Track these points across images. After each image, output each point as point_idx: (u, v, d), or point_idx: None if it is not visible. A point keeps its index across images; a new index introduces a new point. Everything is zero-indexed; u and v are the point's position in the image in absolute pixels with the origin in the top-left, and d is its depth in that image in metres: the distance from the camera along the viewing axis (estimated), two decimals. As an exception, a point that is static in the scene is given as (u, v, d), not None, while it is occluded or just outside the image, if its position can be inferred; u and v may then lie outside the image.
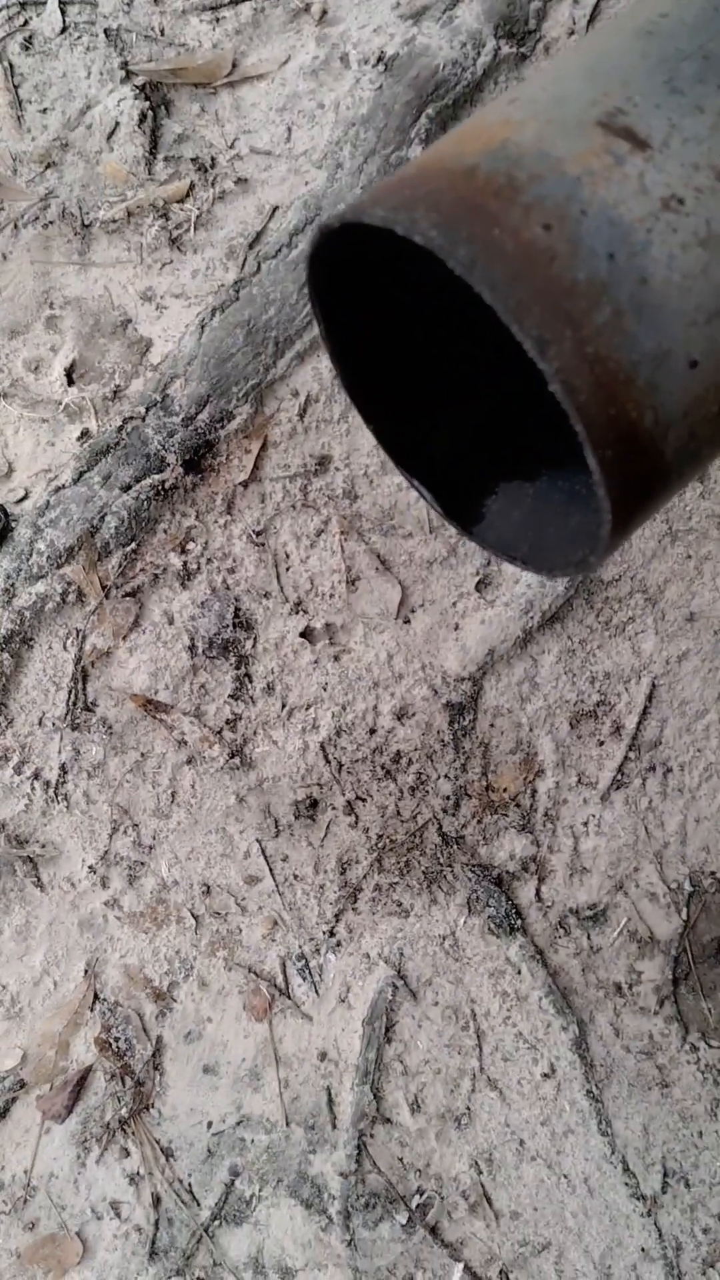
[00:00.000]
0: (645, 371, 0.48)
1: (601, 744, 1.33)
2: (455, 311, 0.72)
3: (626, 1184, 1.24)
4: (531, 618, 1.32)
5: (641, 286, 0.48)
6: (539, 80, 0.54)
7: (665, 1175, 1.25)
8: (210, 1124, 1.26)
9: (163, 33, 1.49)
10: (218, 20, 1.49)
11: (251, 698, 1.32)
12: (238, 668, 1.32)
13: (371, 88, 1.44)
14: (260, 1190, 1.24)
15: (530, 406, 0.74)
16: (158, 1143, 1.25)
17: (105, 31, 1.49)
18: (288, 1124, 1.25)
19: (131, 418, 1.33)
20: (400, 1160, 1.24)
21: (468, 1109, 1.25)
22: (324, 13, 1.50)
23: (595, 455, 0.48)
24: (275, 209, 1.42)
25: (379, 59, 1.46)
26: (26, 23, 1.50)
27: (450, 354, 0.76)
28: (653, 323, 0.48)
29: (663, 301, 0.48)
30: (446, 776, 1.31)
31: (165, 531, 1.33)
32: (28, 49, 1.49)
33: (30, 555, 1.30)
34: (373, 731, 1.32)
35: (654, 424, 0.49)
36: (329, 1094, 1.26)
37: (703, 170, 0.49)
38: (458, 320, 0.73)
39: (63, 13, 1.50)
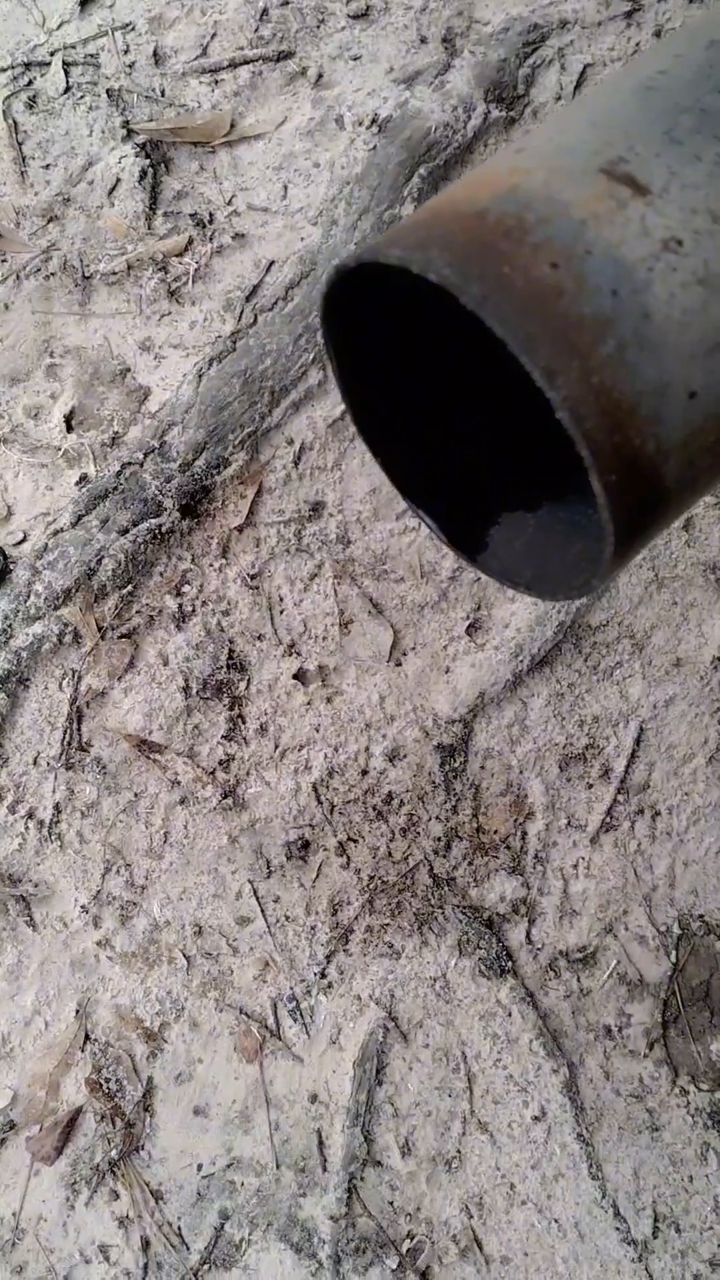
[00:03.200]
0: (648, 401, 0.51)
1: (590, 787, 1.34)
2: (460, 348, 0.75)
3: (618, 1229, 1.23)
4: (521, 661, 1.34)
5: (644, 321, 0.50)
6: (544, 132, 0.58)
7: (656, 1220, 1.24)
8: (200, 1166, 1.25)
9: (163, 93, 1.54)
10: (217, 82, 1.54)
11: (244, 739, 1.33)
12: (231, 709, 1.34)
13: (366, 148, 1.49)
14: (250, 1234, 1.23)
15: (531, 441, 0.77)
16: (147, 1185, 1.25)
17: (107, 92, 1.53)
18: (278, 1166, 1.25)
19: (130, 463, 1.36)
20: (391, 1204, 1.24)
21: (458, 1152, 1.25)
22: (319, 76, 1.55)
23: (600, 480, 0.50)
24: (272, 264, 1.46)
25: (373, 121, 1.51)
26: (31, 82, 1.55)
27: (455, 389, 0.79)
28: (654, 356, 0.51)
29: (664, 336, 0.51)
30: (437, 818, 1.32)
31: (161, 574, 1.35)
32: (32, 107, 1.53)
33: (28, 596, 1.32)
34: (364, 773, 1.33)
35: (655, 451, 0.52)
36: (319, 1136, 1.25)
37: (700, 214, 0.52)
38: (462, 357, 0.76)
39: (66, 73, 1.55)
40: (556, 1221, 1.24)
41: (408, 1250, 1.23)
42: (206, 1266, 1.22)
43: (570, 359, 0.49)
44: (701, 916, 1.32)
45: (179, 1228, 1.24)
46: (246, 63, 1.56)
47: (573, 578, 0.69)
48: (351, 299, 0.65)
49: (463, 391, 0.79)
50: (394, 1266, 1.22)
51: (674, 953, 1.31)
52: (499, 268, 0.50)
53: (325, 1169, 1.24)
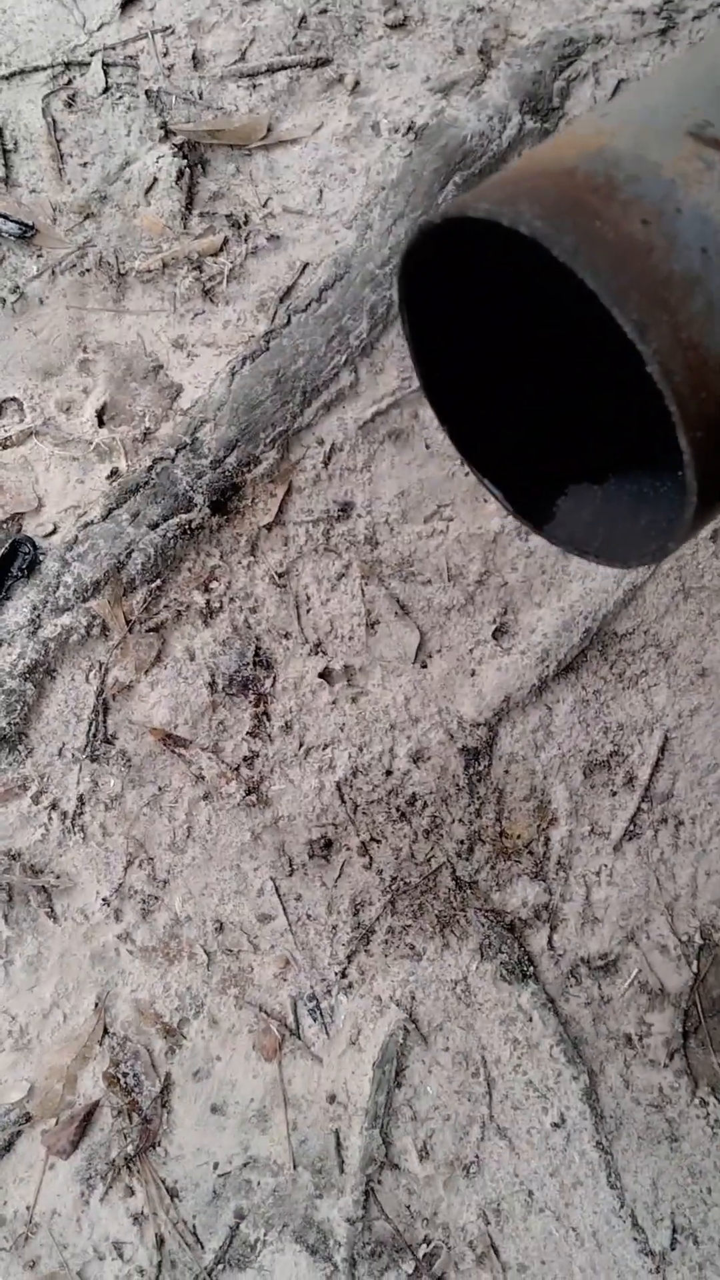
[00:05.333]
0: None
1: (614, 794, 1.34)
2: (531, 321, 0.76)
3: (635, 1239, 1.22)
4: (547, 666, 1.34)
5: None
6: (627, 99, 0.58)
7: (674, 1231, 1.23)
8: (216, 1165, 1.24)
9: (201, 96, 1.55)
10: (254, 86, 1.56)
11: (269, 736, 1.33)
12: (256, 706, 1.33)
13: (401, 155, 1.50)
14: (265, 1235, 1.22)
15: (599, 416, 0.77)
16: (163, 1182, 1.23)
17: (146, 93, 1.54)
18: (295, 1167, 1.24)
19: (161, 458, 1.36)
20: (408, 1208, 1.23)
21: (477, 1157, 1.24)
22: (356, 83, 1.56)
23: (686, 435, 0.50)
24: (306, 265, 1.47)
25: (409, 128, 1.52)
26: (70, 81, 1.56)
27: (524, 362, 0.79)
28: None
29: None
30: (461, 821, 1.32)
31: (190, 570, 1.35)
32: (71, 106, 1.54)
33: (57, 588, 1.32)
34: (389, 773, 1.33)
35: None
36: (337, 1137, 1.24)
37: None
38: (533, 329, 0.77)
39: (106, 74, 1.56)
40: (574, 1230, 1.23)
41: (424, 1255, 1.21)
42: (221, 1266, 1.21)
43: (661, 314, 0.49)
44: (723, 926, 1.31)
45: (194, 1226, 1.23)
46: (284, 68, 1.57)
47: (644, 545, 0.69)
48: (429, 262, 0.65)
49: (531, 365, 0.80)
50: (410, 1271, 1.20)
51: (695, 962, 1.31)
52: (590, 221, 0.50)
53: (342, 1170, 1.23)
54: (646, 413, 0.56)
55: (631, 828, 1.33)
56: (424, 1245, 1.22)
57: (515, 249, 0.54)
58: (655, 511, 0.70)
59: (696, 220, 0.51)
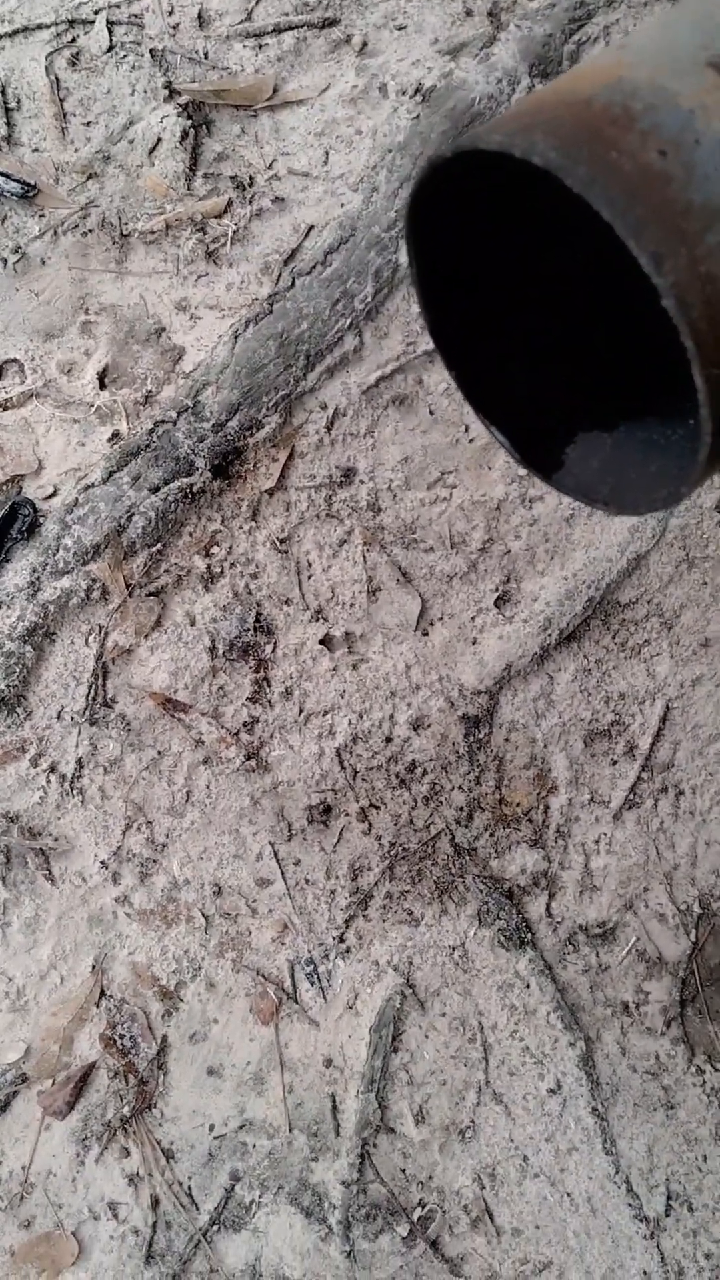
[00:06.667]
0: None
1: (615, 763, 1.33)
2: (540, 265, 0.74)
3: (630, 1205, 1.22)
4: (549, 635, 1.34)
5: None
6: (646, 31, 0.57)
7: (669, 1198, 1.23)
8: (212, 1127, 1.24)
9: (206, 56, 1.53)
10: (260, 46, 1.54)
11: (269, 701, 1.33)
12: (257, 671, 1.33)
13: (409, 117, 1.48)
14: (260, 1196, 1.22)
15: (609, 361, 0.76)
16: (159, 1144, 1.24)
17: (151, 52, 1.53)
18: (290, 1130, 1.24)
19: (163, 421, 1.35)
20: (403, 1171, 1.23)
21: (472, 1122, 1.24)
22: (364, 44, 1.54)
23: (702, 374, 0.50)
24: (311, 228, 1.46)
25: (417, 90, 1.50)
26: (74, 40, 1.54)
27: (532, 307, 0.78)
28: None
29: None
30: (460, 788, 1.32)
31: (191, 534, 1.35)
32: (74, 65, 1.53)
33: (57, 550, 1.31)
34: (388, 740, 1.32)
35: None
36: (333, 1101, 1.25)
37: None
38: (541, 273, 0.75)
39: (110, 32, 1.54)
40: (569, 1195, 1.23)
41: (418, 1218, 1.22)
42: (216, 1227, 1.21)
43: (678, 245, 0.48)
44: (722, 897, 1.31)
45: (189, 1187, 1.23)
46: (291, 28, 1.55)
47: (654, 492, 0.68)
48: (438, 201, 0.64)
49: (541, 310, 0.78)
50: (404, 1234, 1.21)
51: (694, 932, 1.31)
52: (606, 152, 0.49)
53: (338, 1134, 1.23)
54: (660, 355, 0.55)
55: (631, 797, 1.33)
56: (419, 1209, 1.22)
57: (528, 184, 0.53)
58: (666, 458, 0.69)
59: (716, 151, 0.50)
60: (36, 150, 1.50)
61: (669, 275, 0.48)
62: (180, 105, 1.50)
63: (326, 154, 1.49)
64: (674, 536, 1.37)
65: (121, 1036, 1.25)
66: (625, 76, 0.53)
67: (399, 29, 1.55)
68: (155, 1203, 1.22)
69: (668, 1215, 1.23)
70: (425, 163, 0.58)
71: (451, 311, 0.75)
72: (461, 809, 1.31)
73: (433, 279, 0.72)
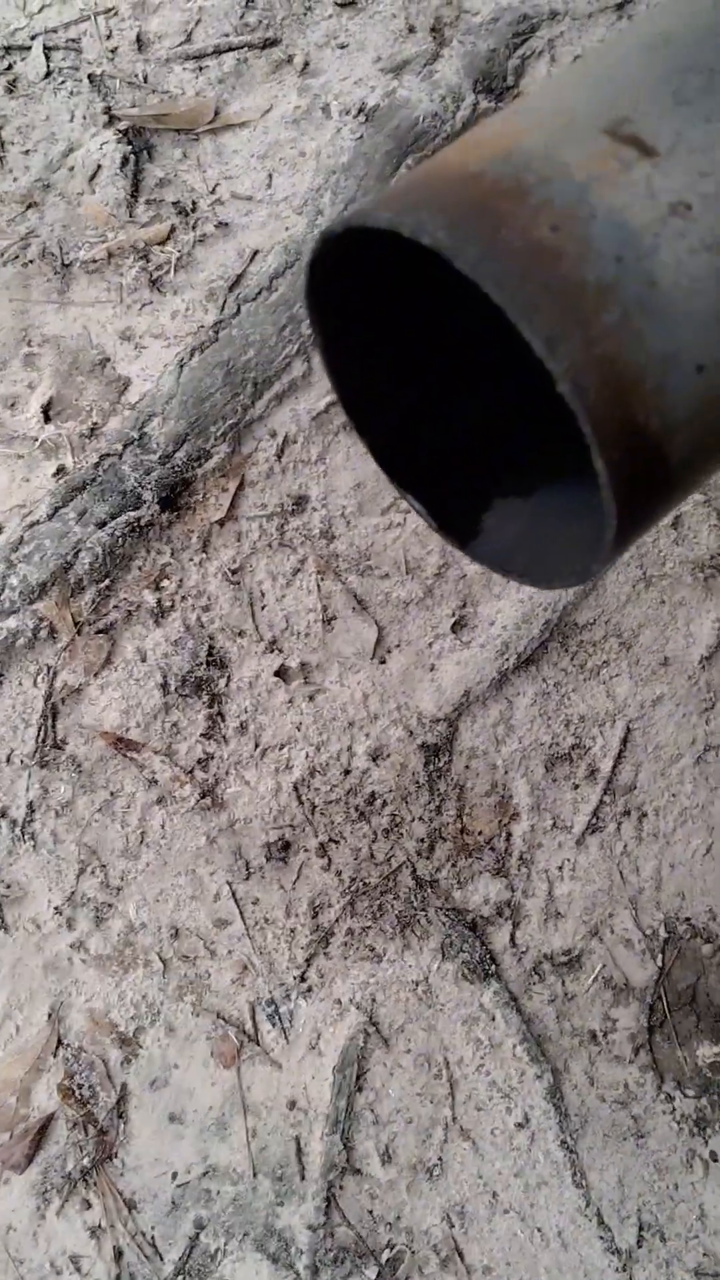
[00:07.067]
0: (653, 374, 0.48)
1: (576, 787, 1.32)
2: (452, 326, 0.72)
3: (601, 1238, 1.21)
4: (507, 659, 1.32)
5: (650, 289, 0.48)
6: (542, 94, 0.55)
7: (641, 1229, 1.22)
8: (175, 1175, 1.22)
9: (146, 79, 1.51)
10: (201, 69, 1.52)
11: (224, 737, 1.31)
12: (210, 706, 1.31)
13: (352, 137, 1.46)
14: (225, 1244, 1.20)
15: (526, 424, 0.74)
16: (120, 1194, 1.22)
17: (89, 77, 1.50)
18: (255, 1175, 1.22)
19: (109, 454, 1.33)
20: (370, 1212, 1.21)
21: (440, 1160, 1.23)
22: (306, 64, 1.52)
23: (602, 457, 0.47)
24: (256, 253, 1.44)
25: (360, 110, 1.48)
26: (10, 66, 1.51)
27: (446, 369, 0.76)
28: (661, 325, 0.48)
29: (670, 305, 0.48)
30: (421, 819, 1.30)
31: (140, 569, 1.32)
32: (11, 92, 1.50)
33: (2, 590, 1.29)
34: (347, 772, 1.30)
35: (660, 428, 0.49)
36: (298, 1144, 1.23)
37: (709, 177, 0.49)
38: (454, 334, 0.73)
39: (47, 58, 1.52)
40: (539, 1230, 1.21)
41: (387, 1260, 1.20)
42: (180, 1277, 1.19)
43: (572, 327, 0.46)
44: (688, 919, 1.30)
45: (153, 1237, 1.21)
46: (232, 50, 1.53)
47: (569, 565, 0.66)
48: (338, 270, 0.62)
49: (454, 372, 0.76)
50: (373, 1277, 1.19)
51: (660, 956, 1.29)
52: (496, 230, 0.47)
53: (304, 1177, 1.22)
54: (570, 426, 0.53)
55: (594, 821, 1.31)
56: (387, 1250, 1.20)
57: (427, 254, 0.51)
58: (582, 528, 0.67)
59: (611, 226, 0.48)
60: (-25, 180, 1.47)
61: (564, 359, 0.46)
62: (120, 131, 1.48)
63: (270, 176, 1.47)
64: (631, 556, 1.36)
65: (80, 1086, 1.23)
66: (517, 146, 0.50)
67: (341, 48, 1.53)
68: (118, 1255, 1.20)
69: (640, 1246, 1.21)
70: (317, 237, 0.56)
71: (361, 377, 0.73)
72: (422, 840, 1.30)
73: (340, 345, 0.70)
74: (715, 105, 0.51)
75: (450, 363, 0.76)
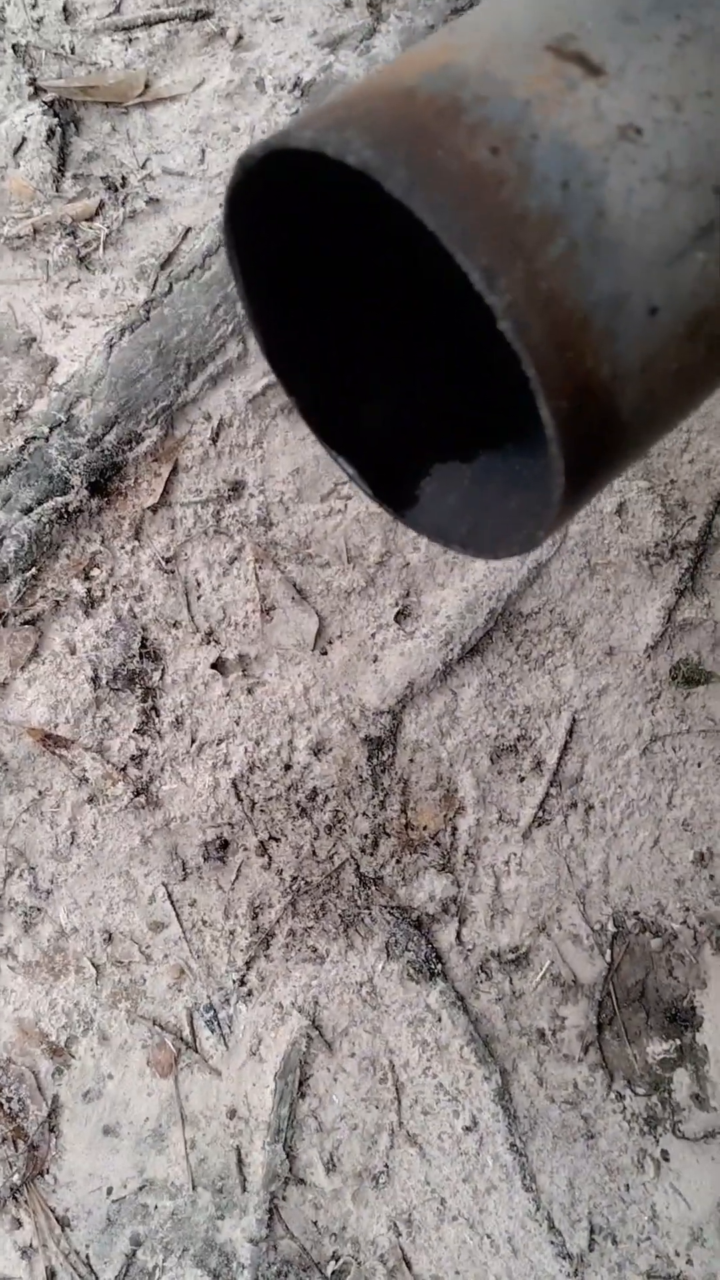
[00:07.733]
0: (602, 315, 0.44)
1: (522, 780, 1.29)
2: (387, 271, 0.67)
3: (552, 1242, 1.18)
4: (451, 650, 1.28)
5: (598, 220, 0.43)
6: (483, 9, 0.50)
7: (592, 1232, 1.19)
8: (110, 1190, 1.17)
9: (73, 51, 1.45)
10: (130, 40, 1.46)
11: (159, 732, 1.25)
12: (144, 700, 1.26)
13: (287, 112, 1.42)
14: (164, 1261, 1.15)
15: (467, 381, 0.70)
16: (53, 1211, 1.16)
17: (14, 47, 1.44)
18: (194, 1188, 1.17)
19: (34, 438, 1.27)
20: (314, 1224, 1.17)
21: (386, 1167, 1.19)
22: (239, 38, 1.47)
23: (549, 405, 0.43)
24: (188, 230, 1.38)
25: (295, 84, 1.43)
26: (-70, 34, 1.44)
27: (380, 321, 0.71)
28: (611, 261, 0.44)
29: (621, 238, 0.44)
30: (364, 814, 1.26)
31: (68, 557, 1.27)
32: (-69, 60, 1.43)
33: None
34: (288, 768, 1.26)
35: (611, 376, 0.45)
36: (239, 1154, 1.18)
37: (662, 100, 0.45)
38: (389, 281, 0.69)
39: (-32, 26, 1.45)
40: (489, 1237, 1.18)
41: (333, 1272, 1.16)
42: (117, 1298, 1.14)
43: (514, 259, 0.41)
44: (636, 913, 1.27)
45: (87, 1256, 1.15)
46: (162, 21, 1.47)
47: (512, 533, 0.61)
48: (261, 204, 0.56)
49: (392, 328, 0.71)
50: (318, 1290, 1.15)
51: (609, 952, 1.27)
52: (430, 151, 0.42)
53: (245, 1189, 1.17)
54: (517, 376, 0.49)
55: (541, 814, 1.28)
56: (332, 1262, 1.16)
57: (361, 184, 0.46)
58: (527, 494, 0.63)
59: (556, 148, 0.43)
60: None
61: (505, 294, 0.41)
62: (46, 103, 1.42)
63: (203, 152, 1.42)
64: (575, 543, 1.33)
65: (9, 1099, 1.17)
66: (453, 62, 0.46)
67: (275, 21, 1.48)
68: (51, 1275, 1.14)
69: (592, 1250, 1.19)
70: (236, 165, 0.51)
71: (290, 329, 0.67)
72: (366, 836, 1.25)
73: (264, 293, 0.64)
74: (663, 22, 0.47)
75: (388, 317, 0.71)
